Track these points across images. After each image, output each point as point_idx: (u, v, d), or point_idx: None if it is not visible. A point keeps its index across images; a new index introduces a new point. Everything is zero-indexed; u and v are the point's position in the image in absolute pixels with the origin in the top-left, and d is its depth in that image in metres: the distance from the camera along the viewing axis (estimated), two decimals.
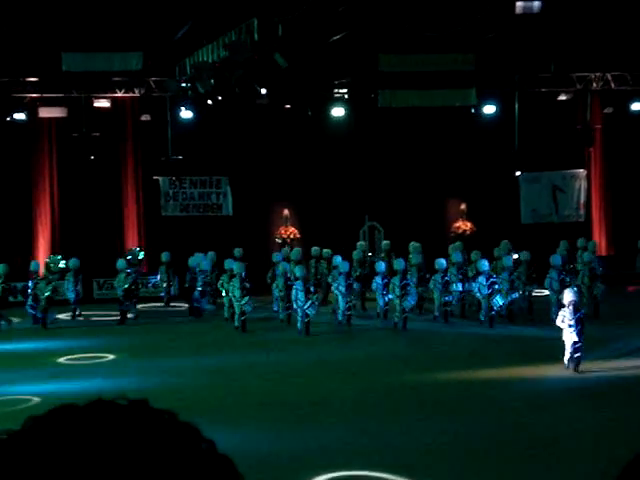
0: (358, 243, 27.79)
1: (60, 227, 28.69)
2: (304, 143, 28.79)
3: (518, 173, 29.61)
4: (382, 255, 26.62)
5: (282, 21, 22.90)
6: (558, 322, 16.55)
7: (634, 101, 28.81)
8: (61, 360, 18.89)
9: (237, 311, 22.04)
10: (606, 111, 29.59)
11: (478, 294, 22.47)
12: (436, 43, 26.71)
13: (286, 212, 29.92)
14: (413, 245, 25.94)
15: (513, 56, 27.73)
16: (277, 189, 29.16)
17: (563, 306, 16.69)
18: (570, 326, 16.24)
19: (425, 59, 27.47)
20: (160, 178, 29.04)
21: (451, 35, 26.16)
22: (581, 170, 30.35)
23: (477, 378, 16.19)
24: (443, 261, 23.56)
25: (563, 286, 20.26)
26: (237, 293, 21.92)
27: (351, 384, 15.85)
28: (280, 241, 29.53)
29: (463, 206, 30.32)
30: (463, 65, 27.63)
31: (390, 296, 22.42)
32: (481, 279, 22.46)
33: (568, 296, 16.51)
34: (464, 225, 30.12)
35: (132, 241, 28.99)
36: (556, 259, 23.06)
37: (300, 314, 21.24)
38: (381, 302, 23.11)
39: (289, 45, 23.39)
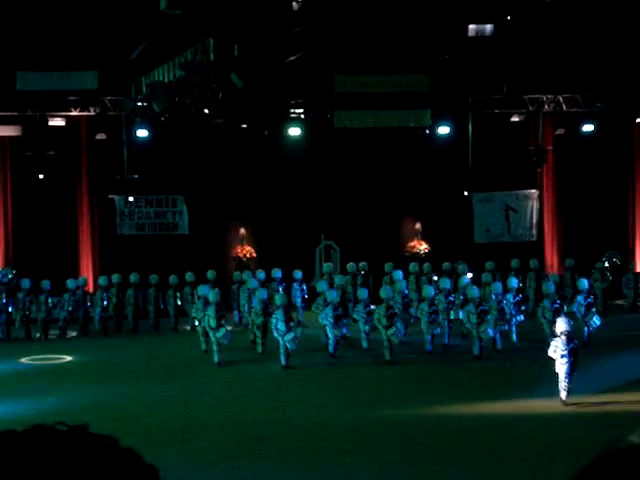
0: (325, 264, 27.56)
1: (14, 246, 28.42)
2: (260, 162, 28.84)
3: (466, 193, 29.85)
4: (360, 280, 25.79)
5: (238, 41, 22.99)
6: (550, 353, 15.80)
7: (585, 123, 29.21)
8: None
9: (213, 340, 20.55)
10: (558, 132, 30.03)
11: (468, 324, 20.95)
12: (391, 64, 26.97)
13: (242, 231, 29.91)
14: (390, 266, 25.73)
15: (466, 78, 28.07)
16: (233, 208, 29.16)
17: (556, 336, 15.96)
18: (562, 357, 15.54)
19: (380, 80, 27.70)
20: (115, 197, 28.91)
21: (406, 56, 26.43)
22: (533, 190, 30.74)
23: (462, 413, 15.56)
24: (431, 289, 22.28)
25: (557, 316, 18.83)
26: (213, 323, 20.45)
27: (331, 418, 15.38)
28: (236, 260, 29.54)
29: (418, 225, 30.53)
30: (418, 86, 27.87)
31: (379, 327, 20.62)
32: (470, 307, 21.00)
33: (561, 325, 15.77)
34: (419, 244, 30.33)
35: (86, 260, 28.80)
36: (549, 287, 21.79)
37: (282, 345, 19.73)
38: (364, 329, 21.46)
39: (245, 65, 23.46)
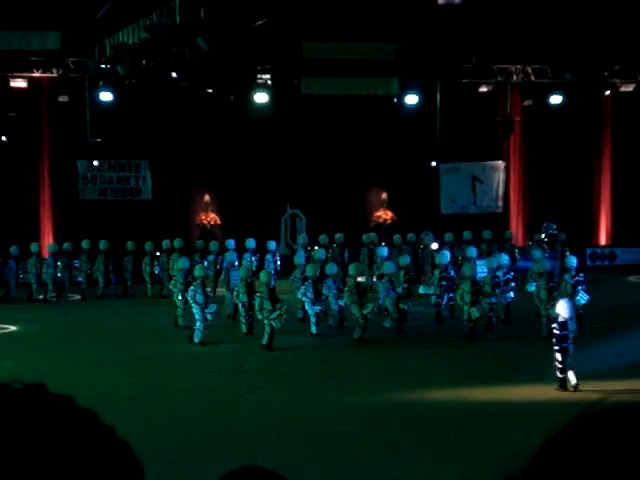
0: (300, 236, 26.87)
1: None
2: (226, 128, 28.57)
3: (434, 163, 29.80)
4: (336, 253, 25.03)
5: (204, 4, 22.64)
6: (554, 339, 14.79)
7: (553, 94, 29.26)
8: None
9: (199, 316, 18.96)
10: (526, 103, 30.04)
11: (460, 302, 19.64)
12: (359, 32, 26.76)
13: (207, 198, 29.67)
14: (367, 237, 25.30)
15: (435, 46, 27.91)
16: (198, 174, 28.88)
17: (556, 319, 15.05)
18: (560, 338, 14.78)
19: (348, 47, 27.50)
20: (78, 161, 28.52)
21: (374, 24, 26.21)
22: (500, 162, 30.78)
23: (448, 399, 14.45)
24: (392, 265, 20.80)
25: (551, 295, 18.07)
26: (200, 299, 19.05)
27: (307, 403, 14.37)
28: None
29: (384, 195, 30.47)
30: (386, 54, 27.72)
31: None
32: (465, 285, 19.66)
33: (561, 309, 14.95)
34: (385, 214, 30.28)
35: (47, 225, 28.41)
36: (545, 264, 20.56)
37: (266, 324, 18.34)
38: (335, 307, 20.33)
39: (211, 29, 23.12)
